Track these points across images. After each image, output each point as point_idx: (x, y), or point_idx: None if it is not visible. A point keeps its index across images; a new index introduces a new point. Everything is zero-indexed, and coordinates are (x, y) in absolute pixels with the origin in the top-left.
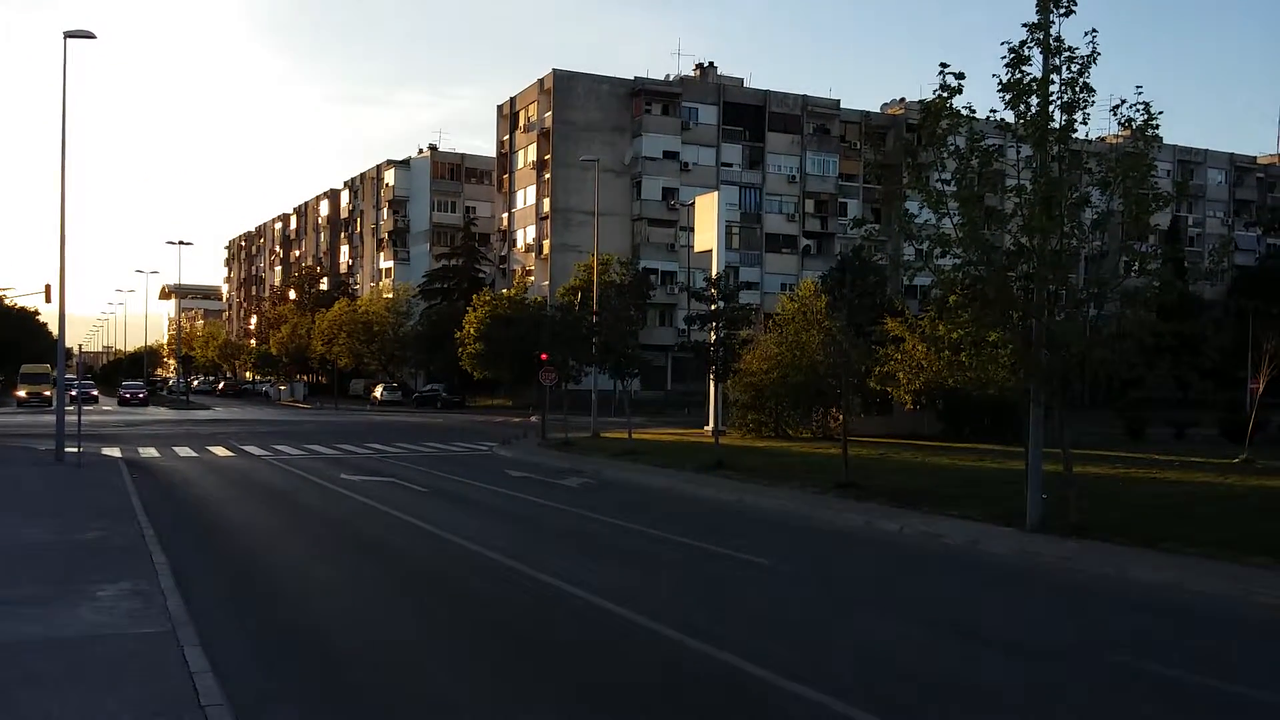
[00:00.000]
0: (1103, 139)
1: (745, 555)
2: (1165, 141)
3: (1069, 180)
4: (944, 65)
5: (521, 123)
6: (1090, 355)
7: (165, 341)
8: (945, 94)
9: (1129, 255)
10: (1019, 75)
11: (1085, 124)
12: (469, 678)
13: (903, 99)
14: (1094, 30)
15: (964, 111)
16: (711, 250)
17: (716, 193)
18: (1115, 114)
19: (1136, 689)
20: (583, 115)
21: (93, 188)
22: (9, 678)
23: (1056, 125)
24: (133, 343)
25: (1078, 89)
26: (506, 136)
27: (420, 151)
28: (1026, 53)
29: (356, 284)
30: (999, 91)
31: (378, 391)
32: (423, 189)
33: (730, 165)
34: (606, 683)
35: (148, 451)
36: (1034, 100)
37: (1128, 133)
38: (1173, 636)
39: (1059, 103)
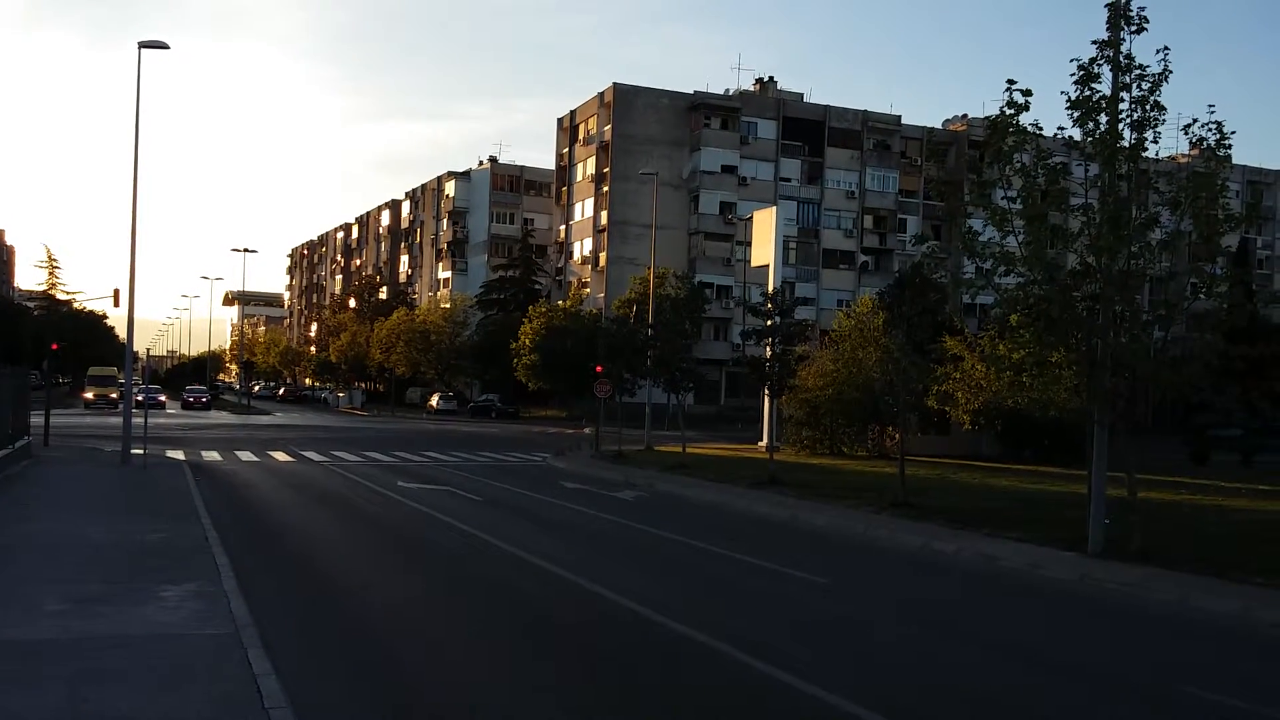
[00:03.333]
0: (1172, 158)
1: (800, 573)
2: (1234, 161)
3: (1137, 199)
4: (1011, 82)
5: (581, 136)
6: (1156, 378)
7: (228, 347)
8: (1012, 110)
9: (1197, 277)
10: (1088, 92)
11: (1155, 143)
12: (521, 687)
13: (965, 115)
14: (1166, 48)
15: (1030, 128)
16: (768, 265)
17: (774, 207)
18: (1186, 133)
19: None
20: (642, 129)
21: (162, 196)
22: (79, 673)
23: (1126, 143)
24: (196, 347)
25: (1148, 107)
26: (566, 149)
27: (480, 163)
28: (1096, 70)
29: (415, 294)
30: (1067, 109)
31: (434, 400)
32: (482, 200)
33: (789, 180)
34: (662, 700)
35: (210, 455)
36: (1103, 118)
37: (1198, 152)
38: (1239, 668)
39: (1128, 121)
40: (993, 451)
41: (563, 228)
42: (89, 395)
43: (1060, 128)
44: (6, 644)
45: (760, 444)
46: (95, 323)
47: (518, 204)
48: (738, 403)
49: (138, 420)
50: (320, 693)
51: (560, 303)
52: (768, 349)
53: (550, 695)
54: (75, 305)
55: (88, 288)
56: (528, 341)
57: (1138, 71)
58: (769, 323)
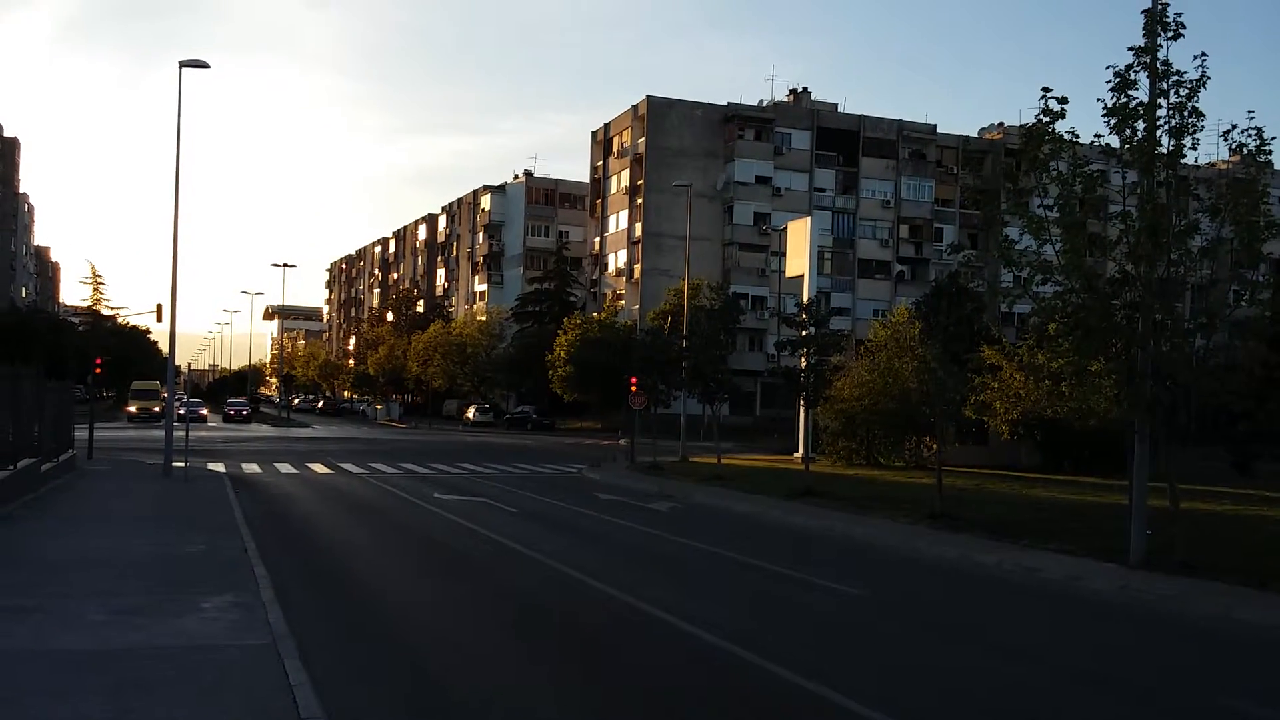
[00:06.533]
0: (1212, 164)
1: (838, 585)
2: (1276, 167)
3: (1176, 206)
4: (1046, 90)
5: (615, 148)
6: (1197, 387)
7: (268, 360)
8: (1048, 118)
9: (1239, 284)
10: (1125, 99)
11: (1194, 149)
12: (555, 696)
13: (1001, 124)
14: (1203, 54)
15: (1067, 136)
16: (803, 275)
17: (809, 218)
18: (1226, 139)
19: None
20: (676, 141)
21: (204, 213)
22: (119, 684)
23: (1164, 150)
24: (237, 361)
25: (1186, 113)
26: (600, 162)
27: (515, 177)
28: (1133, 76)
29: (451, 306)
30: (1104, 116)
31: (470, 412)
32: (517, 214)
33: (823, 190)
34: (689, 708)
35: (250, 467)
36: (1140, 125)
37: (1238, 158)
38: None
39: (1166, 127)
40: (1031, 462)
41: (597, 240)
42: (132, 409)
43: (1097, 135)
44: (49, 654)
45: (796, 455)
46: (138, 338)
47: (552, 217)
48: (773, 413)
49: (179, 433)
50: (356, 701)
51: (595, 314)
52: (803, 359)
53: (581, 699)
54: (119, 320)
55: (131, 303)
56: (563, 353)
57: (1175, 78)
58: (804, 333)
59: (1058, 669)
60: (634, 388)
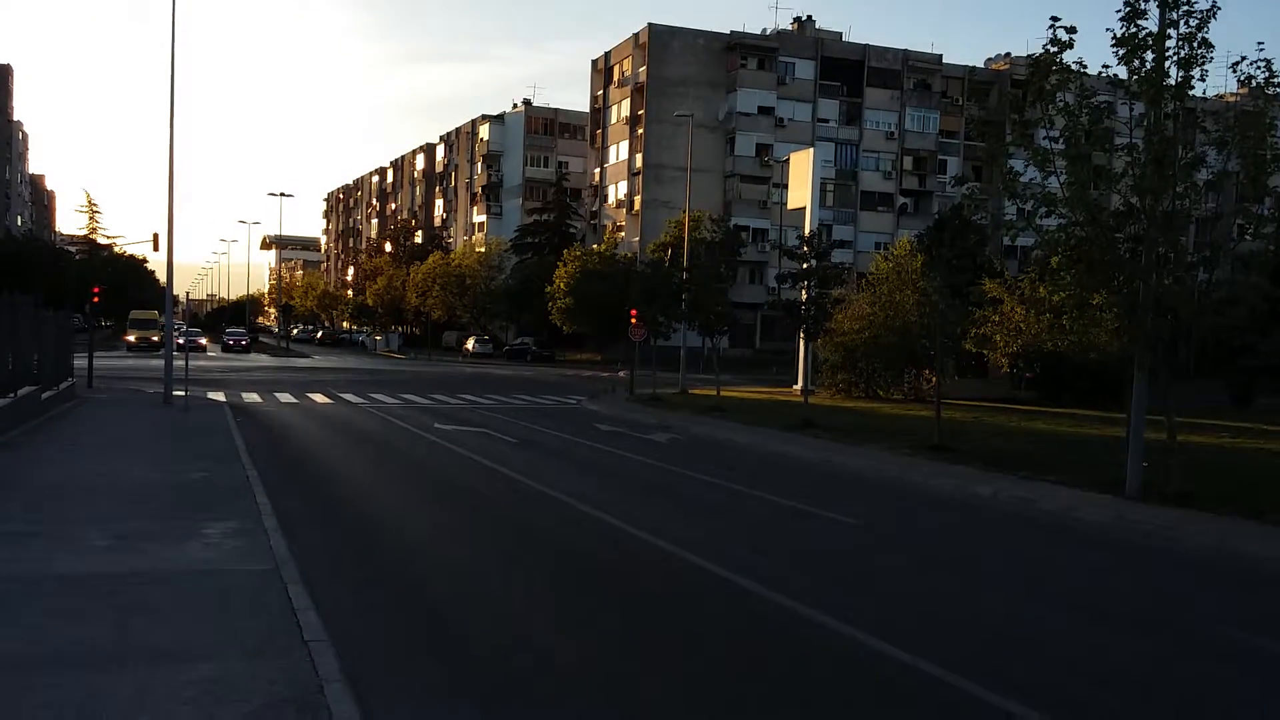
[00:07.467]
0: (1220, 97)
1: (831, 514)
2: None
3: (1183, 139)
4: (1055, 19)
5: (616, 78)
6: (1199, 321)
7: (266, 290)
8: (1055, 49)
9: (1244, 218)
10: (1134, 30)
11: (1203, 81)
12: (547, 618)
13: (1008, 54)
14: None
15: (1074, 67)
16: (805, 208)
17: (812, 149)
18: (1234, 71)
19: (1241, 662)
20: (677, 70)
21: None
22: (124, 607)
23: (1172, 82)
24: (235, 291)
25: (1195, 44)
26: (600, 91)
27: (515, 107)
28: (1143, 6)
29: (450, 238)
30: (1112, 46)
31: (469, 344)
32: (516, 144)
33: (827, 121)
34: (677, 630)
35: (250, 396)
36: (1149, 56)
37: (1246, 91)
38: (1277, 610)
39: (1175, 59)
40: (1030, 395)
41: (597, 171)
42: (131, 338)
43: (1105, 66)
44: (56, 578)
45: (795, 388)
46: (136, 267)
47: (552, 147)
48: (773, 346)
49: (179, 362)
50: (358, 626)
51: (595, 246)
52: (803, 292)
53: (573, 622)
54: (116, 250)
55: (127, 232)
56: (562, 285)
57: (1185, 7)
58: (805, 266)
59: (1051, 597)
60: (634, 320)
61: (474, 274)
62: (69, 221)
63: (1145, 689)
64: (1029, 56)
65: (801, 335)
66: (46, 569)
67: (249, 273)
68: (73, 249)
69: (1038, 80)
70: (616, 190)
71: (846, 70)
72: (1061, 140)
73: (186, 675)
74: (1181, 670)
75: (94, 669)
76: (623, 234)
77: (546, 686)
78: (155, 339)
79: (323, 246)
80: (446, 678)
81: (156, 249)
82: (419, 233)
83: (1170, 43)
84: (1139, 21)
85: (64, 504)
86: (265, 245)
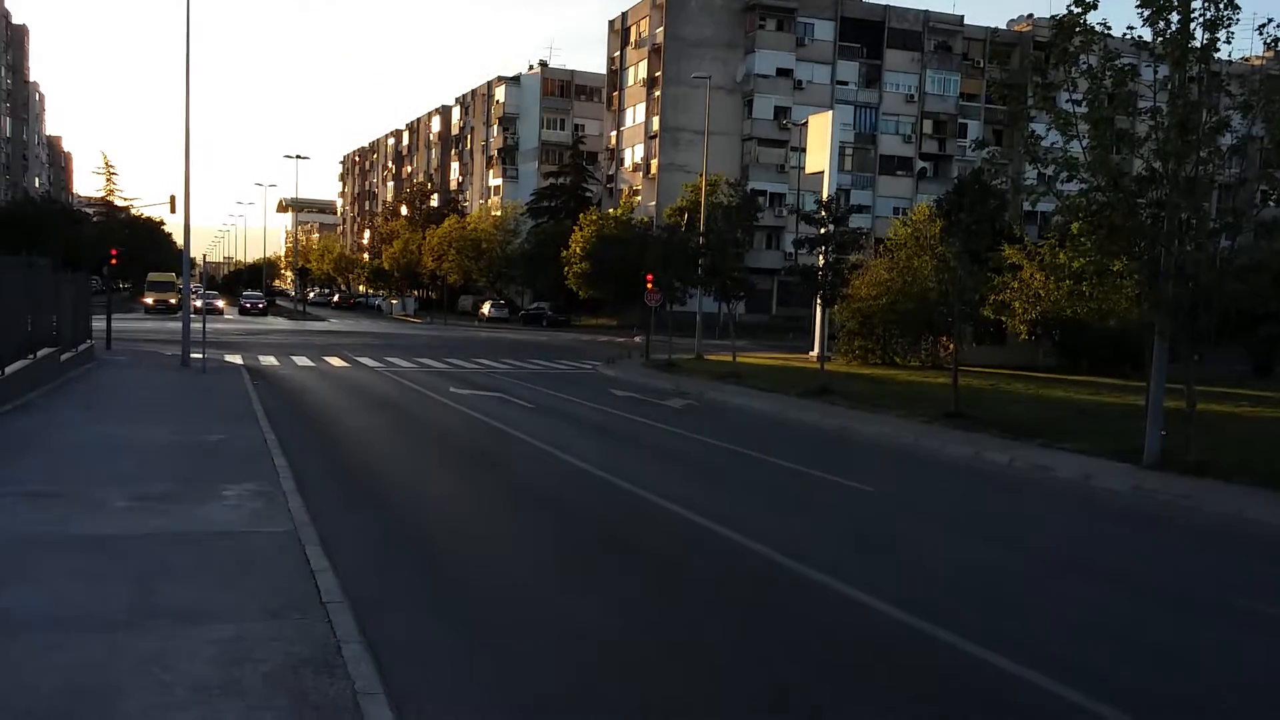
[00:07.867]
0: (1246, 60)
1: (849, 481)
2: None
3: (1208, 103)
4: None
5: (633, 39)
6: (1220, 288)
7: (283, 253)
8: (1079, 9)
9: (1268, 184)
10: None
11: (1228, 43)
12: (559, 581)
13: (1031, 15)
14: None
15: (1099, 28)
16: (823, 172)
17: (830, 112)
18: (1261, 33)
19: (1259, 631)
20: (695, 31)
21: (216, 104)
22: (144, 567)
23: (1197, 44)
24: (252, 254)
25: (1222, 5)
26: (617, 53)
27: (531, 68)
28: None
29: (466, 201)
30: (1137, 7)
31: (485, 308)
32: (532, 106)
33: (846, 84)
34: (697, 599)
35: (267, 359)
36: (1174, 17)
37: (1272, 54)
38: None
39: (1201, 20)
40: (1049, 362)
41: (614, 134)
42: (149, 300)
43: (1129, 27)
44: (77, 539)
45: (811, 354)
46: (153, 229)
47: (568, 109)
48: (789, 312)
49: (196, 325)
50: (375, 588)
51: (611, 210)
52: (821, 257)
53: (583, 585)
54: (133, 212)
55: (144, 194)
56: (578, 249)
57: None
58: (822, 231)
59: (1066, 563)
60: (650, 285)
61: (490, 238)
62: (86, 183)
63: (1160, 653)
64: (1052, 18)
65: (818, 301)
66: (67, 530)
67: (265, 236)
68: (90, 211)
69: (1061, 42)
70: (633, 153)
71: (866, 31)
72: (1084, 103)
73: (206, 635)
74: (1205, 637)
75: (115, 629)
76: (639, 198)
77: (554, 638)
78: (173, 301)
79: (339, 209)
80: (466, 637)
81: (174, 211)
82: (435, 196)
83: (1196, 3)
84: None
85: (84, 465)
86: (282, 208)
